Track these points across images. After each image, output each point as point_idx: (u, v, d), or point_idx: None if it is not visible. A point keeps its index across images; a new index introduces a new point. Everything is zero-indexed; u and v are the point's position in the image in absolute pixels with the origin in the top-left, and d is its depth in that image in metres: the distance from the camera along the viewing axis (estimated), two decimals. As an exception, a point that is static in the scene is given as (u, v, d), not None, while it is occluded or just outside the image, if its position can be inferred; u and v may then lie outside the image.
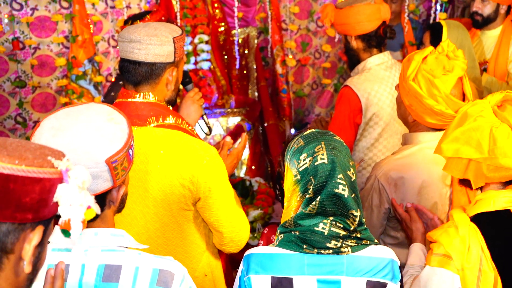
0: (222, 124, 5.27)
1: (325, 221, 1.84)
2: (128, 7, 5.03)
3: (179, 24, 5.16)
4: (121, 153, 1.68)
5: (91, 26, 4.95)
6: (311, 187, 1.85)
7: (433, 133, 2.65)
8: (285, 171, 1.96)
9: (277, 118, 5.64)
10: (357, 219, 1.86)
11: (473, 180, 2.09)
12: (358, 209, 1.86)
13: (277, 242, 1.90)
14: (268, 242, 2.45)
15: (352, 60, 3.73)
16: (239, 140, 2.91)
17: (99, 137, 1.67)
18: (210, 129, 2.95)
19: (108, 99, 3.60)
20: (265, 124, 5.57)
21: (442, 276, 2.03)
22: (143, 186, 2.30)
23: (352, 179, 1.87)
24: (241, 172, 5.25)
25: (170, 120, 2.37)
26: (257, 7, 5.53)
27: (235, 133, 5.18)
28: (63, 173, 1.31)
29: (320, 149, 1.87)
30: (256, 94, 5.64)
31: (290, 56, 5.65)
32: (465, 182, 2.17)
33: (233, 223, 2.42)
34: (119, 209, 1.84)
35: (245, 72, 5.58)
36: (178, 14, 5.17)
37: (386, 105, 3.55)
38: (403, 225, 2.52)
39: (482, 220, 2.06)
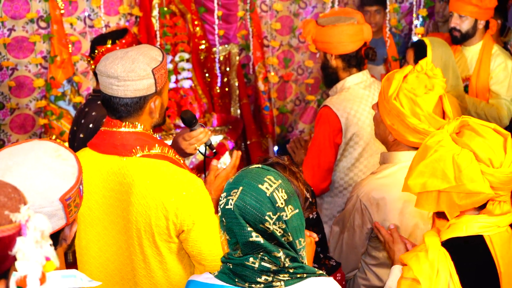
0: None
1: (254, 255, 1.83)
2: (107, 26, 5.10)
3: (158, 43, 5.23)
4: (74, 189, 1.70)
5: (70, 46, 5.01)
6: (225, 228, 1.87)
7: (413, 152, 2.66)
8: None
9: (260, 135, 5.67)
10: (283, 259, 1.83)
11: (447, 211, 2.11)
12: (280, 250, 1.82)
13: (217, 272, 1.92)
14: None
15: (330, 78, 3.77)
16: (222, 159, 2.94)
17: (50, 176, 1.67)
18: (215, 153, 2.96)
19: (82, 115, 3.62)
20: (248, 142, 5.61)
21: None
22: (127, 217, 2.34)
23: (269, 231, 1.81)
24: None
25: (156, 150, 2.39)
26: (238, 24, 5.60)
27: (217, 151, 5.24)
28: (22, 226, 1.26)
29: (234, 194, 1.84)
30: (239, 111, 5.68)
31: (272, 73, 5.72)
32: (441, 214, 2.18)
33: (216, 257, 2.41)
34: (70, 247, 1.86)
35: (227, 89, 5.64)
36: (158, 32, 5.26)
37: (366, 124, 3.62)
38: (386, 247, 2.55)
39: (453, 245, 2.08)
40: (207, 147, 2.90)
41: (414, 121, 2.58)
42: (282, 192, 1.84)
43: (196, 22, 5.43)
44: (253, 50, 5.59)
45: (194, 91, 5.42)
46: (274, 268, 1.83)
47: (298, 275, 1.85)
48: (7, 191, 1.30)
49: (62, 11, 4.97)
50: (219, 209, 1.89)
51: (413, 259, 2.07)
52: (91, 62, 3.61)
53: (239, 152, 2.79)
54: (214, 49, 5.52)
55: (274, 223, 1.81)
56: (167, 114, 5.16)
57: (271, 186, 1.83)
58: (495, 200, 2.09)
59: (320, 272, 1.90)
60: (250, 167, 1.92)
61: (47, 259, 1.28)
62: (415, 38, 5.66)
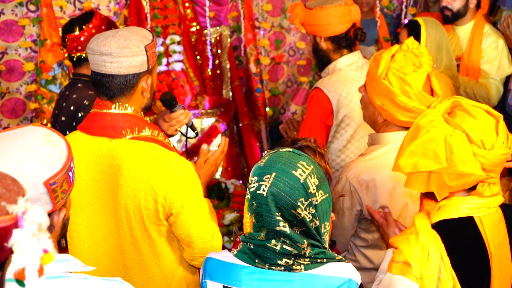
0: (196, 125, 5.36)
1: (277, 238, 1.86)
2: (97, 8, 5.09)
3: (149, 25, 5.24)
4: (60, 174, 1.69)
5: (60, 29, 5.01)
6: (254, 212, 1.88)
7: (402, 133, 2.71)
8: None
9: (252, 117, 5.69)
10: (306, 247, 1.87)
11: (437, 191, 2.10)
12: (305, 241, 1.86)
13: (236, 251, 1.95)
14: None
15: (322, 60, 3.80)
16: (214, 141, 2.95)
17: (36, 160, 1.68)
18: (197, 133, 2.96)
19: (63, 98, 3.65)
20: (240, 124, 5.63)
21: (401, 284, 2.05)
22: (116, 200, 2.36)
23: (300, 218, 1.84)
24: (217, 174, 5.32)
25: (146, 132, 2.40)
26: (229, 5, 5.60)
27: (209, 134, 5.27)
28: (18, 218, 1.25)
29: (267, 180, 1.85)
30: (230, 94, 5.70)
31: (264, 55, 5.73)
32: (429, 195, 2.18)
33: (205, 240, 2.44)
34: (62, 234, 1.84)
35: (218, 72, 5.65)
36: (148, 15, 5.25)
37: (357, 106, 3.63)
38: (380, 230, 2.58)
39: (444, 227, 2.08)
40: (188, 128, 2.91)
41: (405, 99, 2.59)
42: (314, 178, 1.87)
43: (187, 4, 5.43)
44: (244, 32, 5.60)
45: (186, 73, 5.43)
46: (295, 252, 1.86)
47: (319, 260, 1.89)
48: (6, 183, 1.30)
49: (52, -6, 4.97)
50: (247, 192, 1.90)
51: (404, 242, 2.08)
52: (64, 50, 3.64)
53: (227, 139, 2.80)
54: (205, 31, 5.52)
55: (305, 209, 1.84)
56: (158, 98, 5.17)
57: (304, 172, 1.85)
58: (485, 181, 2.10)
59: (340, 257, 1.93)
60: (281, 150, 1.93)
61: (45, 251, 1.27)
62: (407, 19, 5.68)
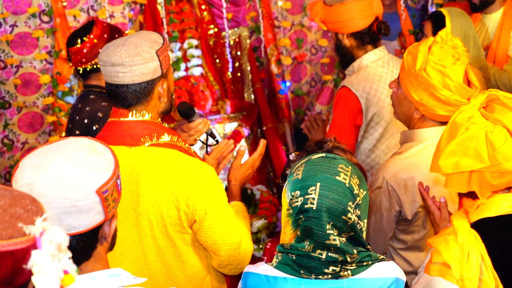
0: (218, 131, 5.36)
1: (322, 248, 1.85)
2: (111, 16, 5.11)
3: (165, 30, 5.24)
4: (111, 182, 1.71)
5: (74, 39, 5.02)
6: (300, 227, 1.87)
7: (438, 128, 2.72)
8: (283, 192, 1.97)
9: (276, 120, 5.68)
10: (357, 257, 1.87)
11: (479, 191, 2.08)
12: (354, 250, 1.86)
13: (275, 263, 1.92)
14: (271, 258, 2.49)
15: (346, 58, 3.79)
16: (238, 146, 2.96)
17: (84, 169, 1.69)
18: (217, 141, 2.99)
19: (76, 112, 3.65)
20: (264, 128, 5.62)
21: (441, 286, 2.03)
22: (138, 209, 2.37)
23: (350, 223, 1.85)
24: (242, 180, 5.30)
25: (165, 138, 2.42)
26: (246, 6, 5.59)
27: (232, 139, 5.24)
28: (36, 239, 1.25)
29: (313, 192, 1.85)
30: (252, 97, 5.69)
31: (285, 55, 5.71)
32: (469, 193, 2.16)
33: (232, 246, 2.44)
34: (112, 246, 1.86)
35: (239, 74, 5.65)
36: (164, 19, 5.26)
37: (386, 103, 3.62)
38: (431, 219, 2.54)
39: (484, 227, 2.04)
40: (208, 136, 2.94)
41: (446, 93, 2.58)
42: (355, 178, 1.89)
43: (203, 7, 5.43)
44: (264, 32, 5.59)
45: (205, 78, 5.43)
46: (341, 258, 1.85)
47: (365, 263, 1.89)
48: (24, 203, 1.31)
49: (65, 4, 4.98)
50: (288, 207, 1.89)
51: (442, 243, 2.05)
52: (70, 64, 3.65)
53: (264, 141, 2.84)
54: (224, 33, 5.52)
55: (353, 212, 1.85)
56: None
57: (346, 175, 1.87)
58: (527, 177, 2.05)
59: (382, 257, 1.94)
60: (313, 157, 1.93)
61: (65, 272, 1.26)
62: (432, 10, 5.61)
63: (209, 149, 2.98)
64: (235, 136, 5.29)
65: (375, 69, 3.68)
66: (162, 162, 2.36)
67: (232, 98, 5.58)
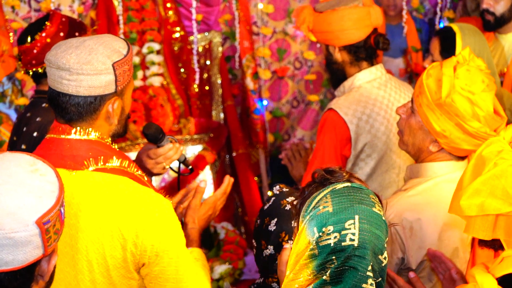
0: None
1: None
2: (57, 9, 5.07)
3: (121, 31, 5.22)
4: (54, 210, 1.71)
5: (11, 34, 4.98)
6: (331, 270, 1.84)
7: (452, 163, 2.76)
8: (298, 229, 1.95)
9: (249, 145, 5.68)
10: None
11: (505, 239, 2.07)
12: None
13: None
14: None
15: (336, 75, 3.80)
16: (200, 175, 2.95)
17: (25, 193, 1.68)
18: (192, 169, 3.00)
19: (23, 122, 3.62)
20: (234, 154, 5.61)
21: None
22: (75, 247, 2.33)
23: (383, 264, 1.87)
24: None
25: (114, 162, 2.41)
26: (220, 7, 5.60)
27: (195, 166, 5.23)
28: None
29: (352, 226, 1.83)
30: (222, 115, 5.69)
31: (264, 67, 5.72)
32: (487, 242, 2.16)
33: None
34: (48, 285, 1.84)
35: (207, 88, 5.65)
36: (120, 17, 5.24)
37: (380, 132, 3.64)
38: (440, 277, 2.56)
39: None
40: (180, 163, 2.94)
41: (475, 124, 2.60)
42: (383, 208, 1.92)
43: (168, 5, 5.44)
44: (239, 39, 5.60)
45: (166, 90, 5.41)
46: None
47: None
48: None
49: (1, -9, 4.96)
50: (312, 246, 1.86)
51: None
52: (20, 63, 3.63)
53: (232, 179, 2.82)
54: (191, 37, 5.51)
55: (385, 257, 1.86)
56: (133, 120, 5.15)
57: (379, 206, 1.90)
58: None
59: None
60: (337, 187, 1.92)
61: None
62: (441, 24, 5.67)
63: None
64: (199, 162, 5.27)
65: (370, 90, 3.69)
66: (108, 191, 2.33)
67: (198, 116, 5.57)
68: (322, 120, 3.72)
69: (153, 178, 4.97)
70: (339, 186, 1.92)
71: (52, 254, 1.77)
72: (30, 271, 1.73)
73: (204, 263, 2.63)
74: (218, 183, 5.34)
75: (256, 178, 5.62)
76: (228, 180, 2.81)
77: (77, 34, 3.60)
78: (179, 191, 2.96)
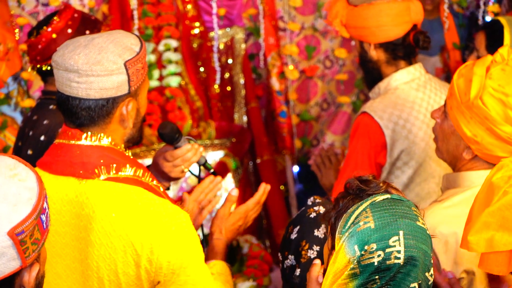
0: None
1: None
2: (67, 3, 5.09)
3: (136, 26, 5.23)
4: (29, 220, 1.71)
5: (17, 31, 5.01)
6: None
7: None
8: (335, 246, 1.93)
9: (274, 151, 5.69)
10: None
11: None
12: None
13: None
14: None
15: (372, 75, 3.80)
16: (223, 183, 2.93)
17: None
18: (214, 173, 2.98)
19: (29, 125, 3.64)
20: (258, 160, 5.62)
21: None
22: (85, 262, 2.35)
23: (430, 282, 1.89)
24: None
25: (128, 171, 2.42)
26: (244, 0, 5.61)
27: (220, 176, 5.22)
28: None
29: (397, 242, 1.84)
30: (245, 119, 5.70)
31: (291, 66, 5.72)
32: None
33: None
34: None
35: (228, 89, 5.66)
36: (135, 12, 5.25)
37: (419, 138, 3.63)
38: None
39: None
40: (201, 166, 2.94)
41: (508, 128, 2.58)
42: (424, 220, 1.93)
43: (187, -2, 5.45)
44: (264, 35, 5.61)
45: (185, 91, 5.43)
46: None
47: None
48: None
49: (6, -15, 4.99)
50: (353, 265, 1.85)
51: None
52: (28, 59, 3.64)
53: (268, 186, 2.83)
54: (212, 34, 5.53)
55: (431, 274, 1.89)
56: (148, 123, 5.16)
57: (422, 219, 1.91)
58: None
59: None
60: (377, 200, 1.92)
61: None
62: (487, 18, 5.63)
63: (196, 180, 2.98)
64: (220, 169, 5.27)
65: (407, 92, 3.69)
66: (120, 202, 2.35)
67: (219, 119, 5.58)
68: (355, 125, 3.72)
69: (170, 187, 5.01)
70: (379, 198, 1.91)
71: (33, 264, 1.78)
72: (9, 284, 1.74)
73: (228, 278, 2.65)
74: (241, 192, 5.33)
75: (282, 187, 5.61)
76: (264, 188, 2.82)
77: (88, 32, 3.61)
78: None
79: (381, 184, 1.99)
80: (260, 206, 2.82)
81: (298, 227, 2.50)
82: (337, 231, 1.92)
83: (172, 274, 2.35)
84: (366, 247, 1.85)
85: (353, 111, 5.78)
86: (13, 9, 5.05)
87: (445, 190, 2.89)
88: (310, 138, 5.90)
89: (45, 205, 1.78)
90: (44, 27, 3.55)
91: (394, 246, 1.83)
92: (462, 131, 2.70)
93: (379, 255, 1.83)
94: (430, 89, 3.72)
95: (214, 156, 5.38)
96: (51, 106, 3.59)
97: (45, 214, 1.78)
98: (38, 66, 3.58)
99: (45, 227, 1.78)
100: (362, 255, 1.85)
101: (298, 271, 2.41)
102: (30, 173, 1.79)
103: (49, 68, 3.58)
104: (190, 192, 2.86)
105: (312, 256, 2.24)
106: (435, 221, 2.75)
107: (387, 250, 1.83)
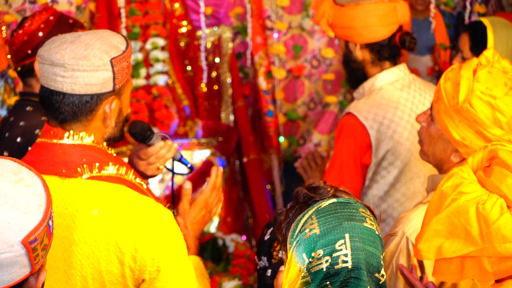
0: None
1: None
2: (54, 1, 5.09)
3: (123, 25, 5.22)
4: (42, 227, 1.70)
5: (3, 28, 5.00)
6: None
7: None
8: (287, 257, 1.93)
9: (261, 150, 5.69)
10: None
11: (478, 279, 2.04)
12: None
13: None
14: None
15: (355, 75, 3.81)
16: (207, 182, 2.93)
17: (8, 210, 1.67)
18: (191, 167, 2.95)
19: (6, 127, 3.63)
20: (244, 160, 5.62)
21: None
22: (68, 261, 2.34)
23: (381, 282, 1.85)
24: (212, 227, 5.28)
25: (110, 169, 2.43)
26: (231, -1, 5.62)
27: (202, 173, 5.23)
28: None
29: (343, 246, 1.82)
30: (232, 118, 5.71)
31: (278, 65, 5.72)
32: None
33: None
34: None
35: (215, 88, 5.66)
36: (122, 10, 5.23)
37: (404, 138, 3.64)
38: None
39: None
40: (175, 162, 2.91)
41: (497, 131, 2.58)
42: (376, 222, 1.89)
43: (174, -3, 5.45)
44: (251, 34, 5.60)
45: (172, 89, 5.43)
46: None
47: None
48: None
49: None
50: (304, 273, 1.84)
51: None
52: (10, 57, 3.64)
53: (220, 169, 2.81)
54: (199, 32, 5.53)
55: (382, 274, 1.86)
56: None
57: (371, 220, 1.87)
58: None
59: None
60: (322, 205, 1.89)
61: None
62: (472, 18, 5.65)
63: (182, 178, 2.94)
64: (206, 168, 5.26)
65: (392, 93, 3.70)
66: (104, 201, 2.35)
67: (205, 118, 5.58)
68: (339, 126, 3.72)
69: (157, 186, 5.01)
70: (325, 204, 1.89)
71: (40, 270, 1.77)
72: None
73: (203, 271, 2.64)
74: (227, 191, 5.35)
75: (268, 186, 5.62)
76: (216, 172, 2.78)
77: (63, 29, 3.59)
78: (172, 199, 2.96)
79: (329, 189, 1.96)
80: (219, 191, 2.78)
81: (271, 228, 2.49)
82: (287, 242, 1.92)
83: (157, 271, 2.35)
84: (313, 254, 1.83)
85: (340, 111, 5.78)
86: (0, 6, 5.03)
87: (430, 191, 2.89)
88: (297, 137, 5.90)
89: (51, 210, 1.77)
90: (17, 29, 3.55)
91: (341, 249, 1.81)
92: (450, 134, 2.71)
93: (326, 261, 1.82)
94: (414, 89, 3.72)
95: (201, 155, 5.39)
96: (28, 108, 3.58)
97: (51, 219, 1.77)
98: (13, 67, 3.59)
99: (51, 232, 1.78)
100: (310, 262, 1.83)
101: (269, 272, 2.42)
102: (35, 177, 1.78)
103: (20, 69, 3.57)
104: (178, 190, 2.81)
105: (284, 257, 2.25)
106: (420, 223, 2.76)
107: (334, 254, 1.81)
